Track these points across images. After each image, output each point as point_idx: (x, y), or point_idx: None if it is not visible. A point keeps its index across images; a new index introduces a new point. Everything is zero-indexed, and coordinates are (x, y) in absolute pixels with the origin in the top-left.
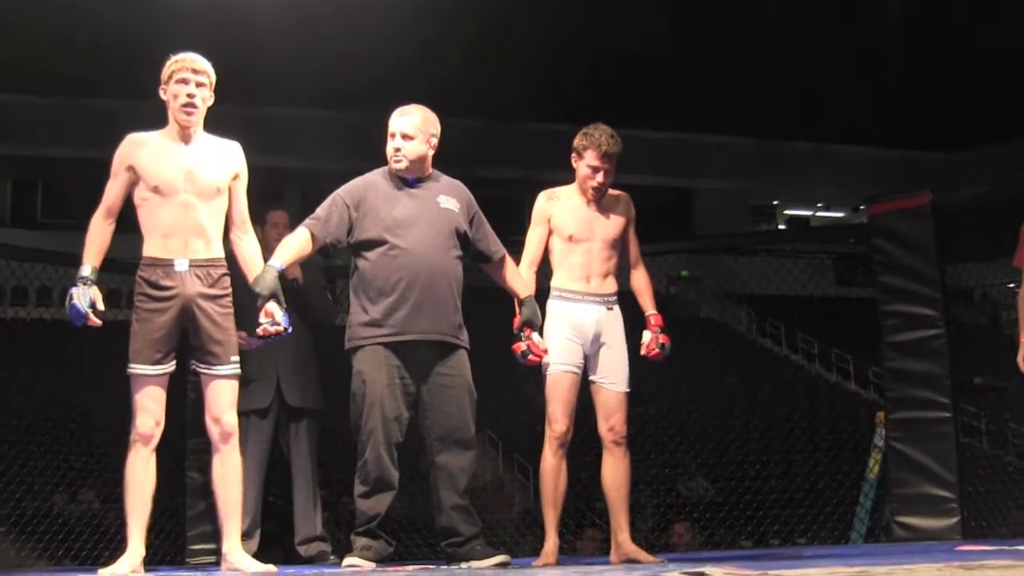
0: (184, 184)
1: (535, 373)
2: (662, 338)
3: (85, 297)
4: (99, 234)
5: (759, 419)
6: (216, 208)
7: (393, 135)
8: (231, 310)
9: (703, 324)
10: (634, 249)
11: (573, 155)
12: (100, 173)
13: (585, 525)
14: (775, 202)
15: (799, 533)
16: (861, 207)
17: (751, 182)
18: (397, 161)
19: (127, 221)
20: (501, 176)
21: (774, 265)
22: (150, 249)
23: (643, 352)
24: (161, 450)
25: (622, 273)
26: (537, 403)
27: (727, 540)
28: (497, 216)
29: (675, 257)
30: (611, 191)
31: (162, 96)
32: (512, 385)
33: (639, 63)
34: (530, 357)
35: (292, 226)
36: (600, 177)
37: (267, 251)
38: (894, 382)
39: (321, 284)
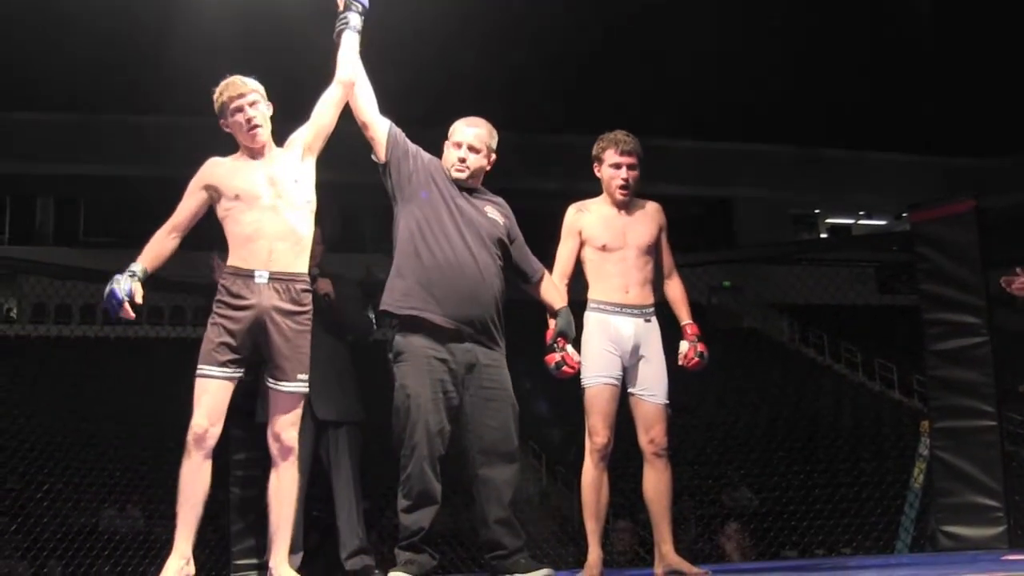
0: (267, 189)
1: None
2: (700, 347)
3: (126, 284)
4: (160, 245)
5: (802, 429)
6: (302, 215)
7: (460, 144)
8: (308, 327)
9: (745, 334)
10: (668, 258)
11: (594, 164)
12: (142, 191)
13: (617, 516)
14: (816, 211)
15: (844, 543)
16: (903, 214)
17: (792, 191)
18: (460, 171)
19: (205, 239)
20: (538, 188)
21: (816, 274)
22: (234, 259)
23: (681, 362)
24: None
25: (656, 283)
26: (541, 410)
27: (771, 550)
28: (534, 228)
29: (716, 267)
30: (641, 199)
31: (226, 130)
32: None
33: (677, 73)
34: (564, 368)
35: (322, 242)
36: (624, 173)
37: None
38: (938, 391)
39: (357, 297)
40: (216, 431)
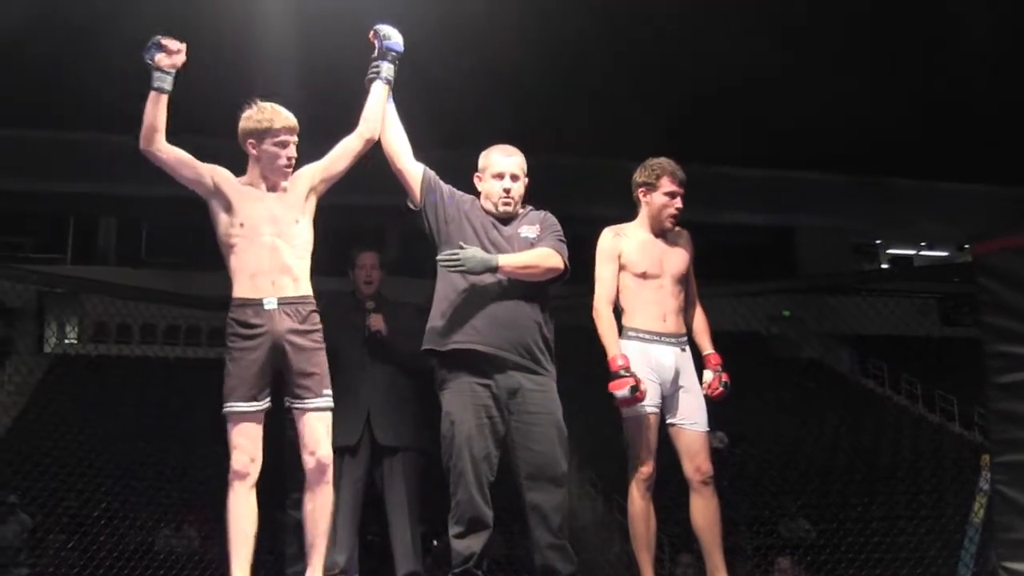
0: (269, 227)
1: None
2: (724, 376)
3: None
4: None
5: (861, 461)
6: (299, 254)
7: (501, 175)
8: (322, 345)
9: (805, 364)
10: (693, 287)
11: (642, 190)
12: (203, 212)
13: (678, 550)
14: (878, 241)
15: None
16: (966, 245)
17: (853, 220)
18: (507, 203)
19: (216, 261)
20: (598, 214)
21: (877, 305)
22: (239, 291)
23: (705, 392)
24: (262, 488)
25: (687, 312)
26: None
27: None
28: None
29: (776, 296)
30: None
31: (250, 151)
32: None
33: (740, 100)
34: (637, 394)
35: (382, 267)
36: (678, 202)
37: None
38: (1000, 424)
39: (414, 324)
40: (256, 464)
